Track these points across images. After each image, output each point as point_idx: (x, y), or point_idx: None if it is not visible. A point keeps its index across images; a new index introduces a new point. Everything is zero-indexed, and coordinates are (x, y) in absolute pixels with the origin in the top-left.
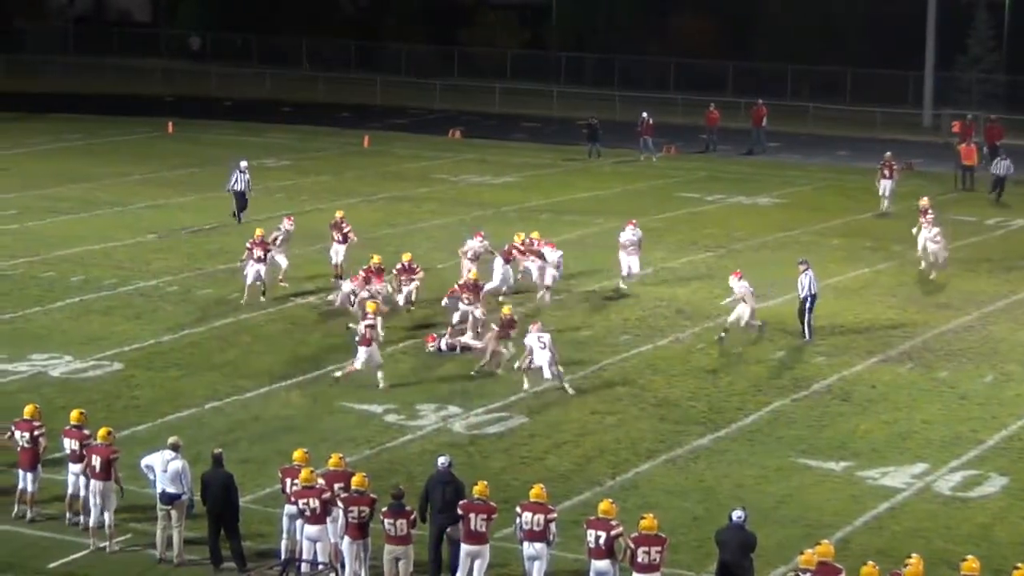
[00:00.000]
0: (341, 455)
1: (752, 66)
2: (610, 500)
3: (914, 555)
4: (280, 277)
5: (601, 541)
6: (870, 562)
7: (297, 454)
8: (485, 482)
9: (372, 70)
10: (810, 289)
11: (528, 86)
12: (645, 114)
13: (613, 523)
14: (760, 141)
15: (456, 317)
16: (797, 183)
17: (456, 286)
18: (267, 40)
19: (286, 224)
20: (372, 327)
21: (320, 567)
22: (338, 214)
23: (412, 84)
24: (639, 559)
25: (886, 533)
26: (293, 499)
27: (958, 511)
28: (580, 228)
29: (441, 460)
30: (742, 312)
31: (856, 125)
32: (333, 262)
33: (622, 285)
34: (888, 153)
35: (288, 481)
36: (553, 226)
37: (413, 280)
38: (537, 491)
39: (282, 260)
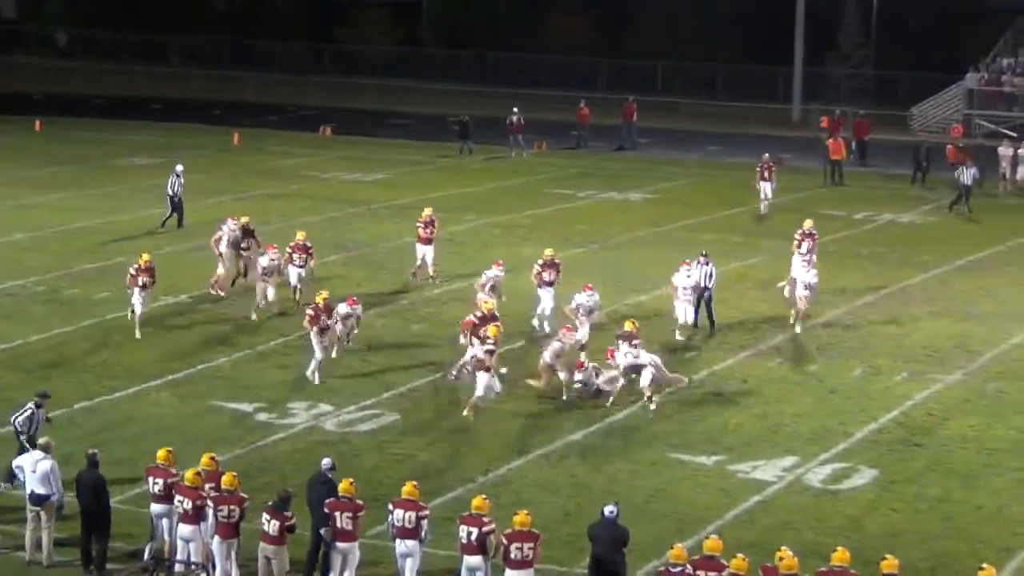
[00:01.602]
0: (212, 455)
1: (624, 63)
2: (483, 496)
3: (785, 548)
4: (214, 280)
5: (473, 537)
6: (739, 555)
7: (161, 454)
8: (351, 480)
9: (245, 67)
10: (705, 282)
11: (401, 83)
12: (516, 110)
13: (485, 519)
14: (631, 137)
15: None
16: (669, 179)
17: (472, 318)
18: (137, 37)
19: (231, 224)
20: (492, 353)
21: (193, 567)
22: (243, 219)
23: (285, 81)
24: (512, 555)
25: (757, 526)
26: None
27: (828, 503)
28: (452, 225)
29: (324, 462)
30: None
31: (727, 121)
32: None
33: (679, 336)
34: (767, 155)
35: (151, 480)
36: None
37: (308, 259)
38: (409, 488)
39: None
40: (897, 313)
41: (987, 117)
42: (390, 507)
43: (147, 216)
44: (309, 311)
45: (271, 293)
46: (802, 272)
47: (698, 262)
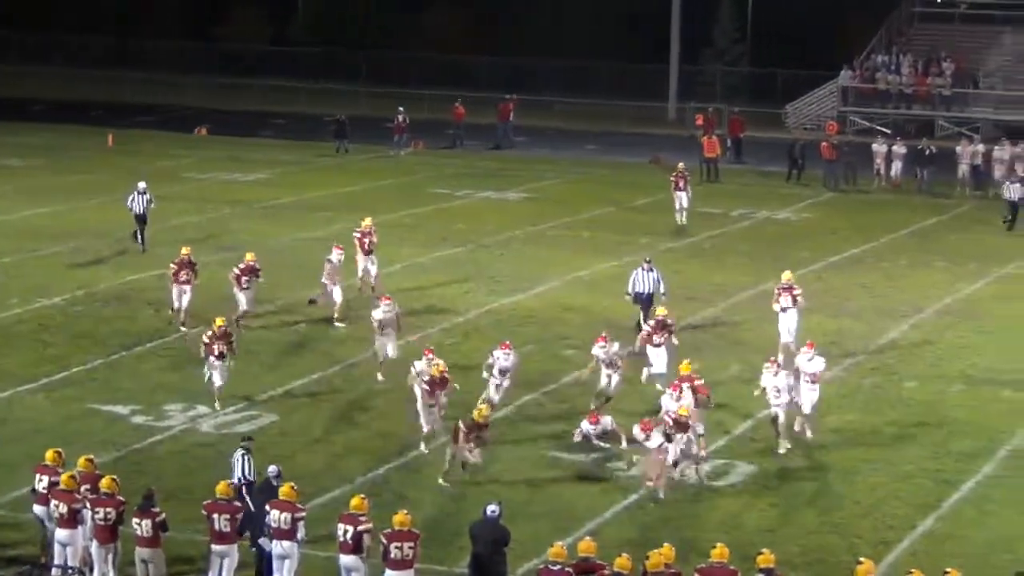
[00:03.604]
0: (90, 457)
1: (499, 60)
2: (362, 496)
3: (667, 544)
4: (335, 315)
5: (348, 536)
6: (624, 554)
7: (49, 455)
8: (228, 482)
9: (123, 67)
10: (653, 288)
11: (278, 82)
12: (401, 110)
13: (362, 518)
14: (508, 136)
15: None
16: (545, 177)
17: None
18: (18, 36)
19: (336, 253)
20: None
21: (70, 572)
22: (249, 256)
23: (160, 81)
24: (392, 555)
25: (637, 523)
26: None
27: (707, 500)
28: (331, 224)
29: (270, 469)
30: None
31: (604, 119)
32: (176, 306)
33: (782, 449)
34: (681, 164)
35: (36, 477)
36: (304, 223)
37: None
38: (286, 490)
39: (337, 295)
40: (774, 310)
41: (861, 114)
42: (267, 508)
43: (28, 216)
44: (426, 385)
45: (391, 349)
46: (769, 377)
47: (642, 269)
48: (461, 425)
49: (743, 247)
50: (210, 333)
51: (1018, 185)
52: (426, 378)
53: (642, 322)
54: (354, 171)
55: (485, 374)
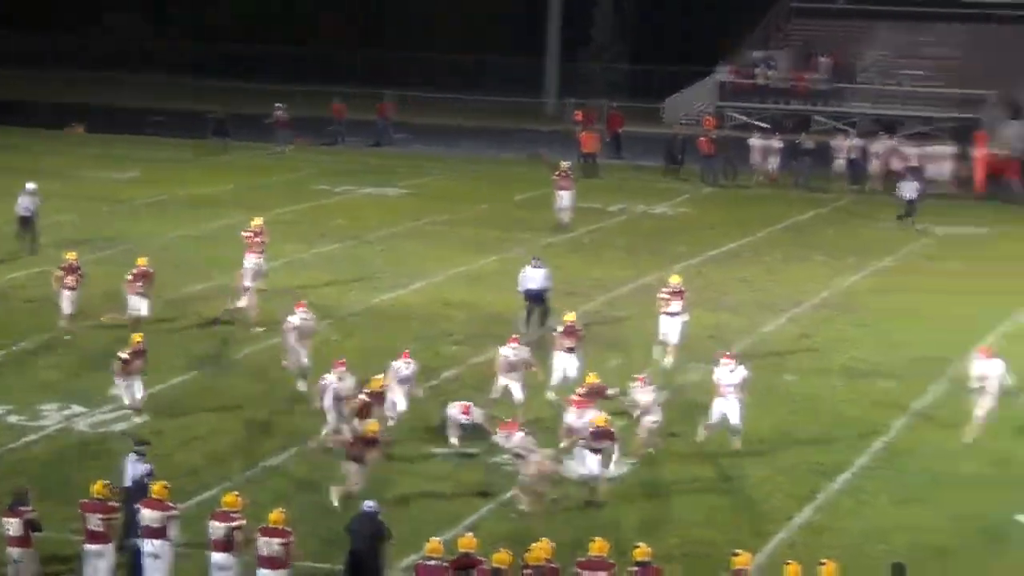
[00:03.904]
0: None
1: (381, 55)
2: (235, 493)
3: (543, 539)
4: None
5: (221, 533)
6: (503, 549)
7: None
8: (103, 481)
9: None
10: (539, 284)
11: (155, 79)
12: (280, 106)
13: (234, 515)
14: (387, 133)
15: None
16: (426, 174)
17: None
18: None
19: (253, 259)
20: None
21: None
22: (141, 260)
23: (32, 78)
24: (263, 551)
25: (513, 520)
26: None
27: (587, 494)
28: (211, 221)
29: (143, 468)
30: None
31: (484, 115)
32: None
33: (701, 435)
34: (565, 163)
35: None
36: (184, 220)
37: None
38: (158, 488)
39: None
40: (653, 304)
41: (739, 109)
42: (137, 507)
43: None
44: (365, 396)
45: (305, 357)
46: (638, 392)
47: (531, 265)
48: (348, 436)
49: (621, 241)
50: (130, 351)
51: (915, 184)
52: (364, 393)
53: (526, 318)
54: (237, 167)
55: (390, 395)
